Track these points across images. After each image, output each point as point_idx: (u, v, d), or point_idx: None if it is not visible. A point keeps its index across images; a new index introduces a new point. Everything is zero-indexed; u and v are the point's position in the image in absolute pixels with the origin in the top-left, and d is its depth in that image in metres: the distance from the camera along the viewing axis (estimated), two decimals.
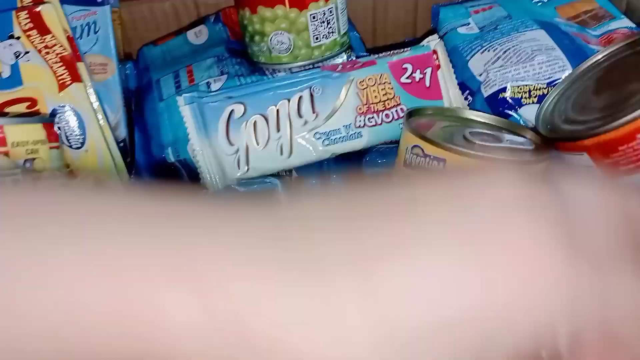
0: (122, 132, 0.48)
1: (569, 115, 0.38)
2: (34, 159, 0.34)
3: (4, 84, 0.38)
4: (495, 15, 0.48)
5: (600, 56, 0.40)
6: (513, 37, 0.43)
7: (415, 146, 0.35)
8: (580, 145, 0.35)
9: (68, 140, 0.41)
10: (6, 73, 0.38)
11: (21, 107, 0.39)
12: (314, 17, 0.42)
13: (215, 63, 0.47)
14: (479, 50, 0.44)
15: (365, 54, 0.49)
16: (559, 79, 0.40)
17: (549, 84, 0.40)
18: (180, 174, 0.45)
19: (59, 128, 0.40)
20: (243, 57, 0.48)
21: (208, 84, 0.45)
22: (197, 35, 0.52)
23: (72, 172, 0.42)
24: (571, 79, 0.40)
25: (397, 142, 0.44)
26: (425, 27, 0.56)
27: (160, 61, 0.51)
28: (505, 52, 0.42)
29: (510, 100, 0.41)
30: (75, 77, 0.39)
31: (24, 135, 0.33)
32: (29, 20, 0.39)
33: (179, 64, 0.49)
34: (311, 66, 0.44)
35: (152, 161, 0.46)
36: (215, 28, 0.53)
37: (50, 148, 0.35)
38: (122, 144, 0.47)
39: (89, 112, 0.40)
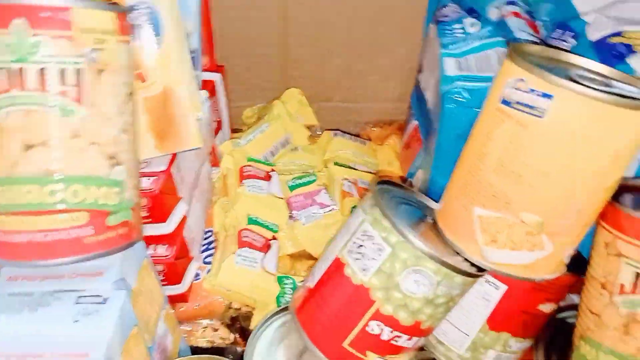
0: (195, 42, 0.46)
1: None
2: (100, 49, 0.32)
3: None
4: None
5: None
6: None
7: (519, 80, 0.32)
8: None
9: (144, 37, 0.39)
10: None
11: None
12: None
13: None
14: None
15: None
16: None
17: None
18: None
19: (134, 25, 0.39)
20: None
21: None
22: None
23: (141, 75, 0.41)
24: None
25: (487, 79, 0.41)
26: None
27: None
28: None
29: (621, 47, 0.37)
30: None
31: (93, 21, 0.31)
32: None
33: None
34: None
35: None
36: None
37: (119, 42, 0.33)
38: (193, 55, 0.45)
39: (169, 11, 0.38)
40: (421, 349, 0.42)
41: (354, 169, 0.61)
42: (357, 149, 0.62)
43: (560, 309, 0.47)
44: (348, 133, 0.66)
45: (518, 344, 0.43)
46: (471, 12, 0.48)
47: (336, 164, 0.60)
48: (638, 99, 0.31)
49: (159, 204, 0.42)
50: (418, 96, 0.57)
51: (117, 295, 0.36)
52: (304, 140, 0.64)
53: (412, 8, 0.60)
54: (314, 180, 0.57)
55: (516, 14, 0.45)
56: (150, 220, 0.42)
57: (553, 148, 0.31)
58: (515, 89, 0.32)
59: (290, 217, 0.54)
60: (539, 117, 0.31)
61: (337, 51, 0.64)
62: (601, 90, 0.30)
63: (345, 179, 0.58)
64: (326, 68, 0.65)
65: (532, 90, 0.31)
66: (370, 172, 0.61)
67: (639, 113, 0.30)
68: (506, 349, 0.42)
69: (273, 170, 0.57)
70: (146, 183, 0.41)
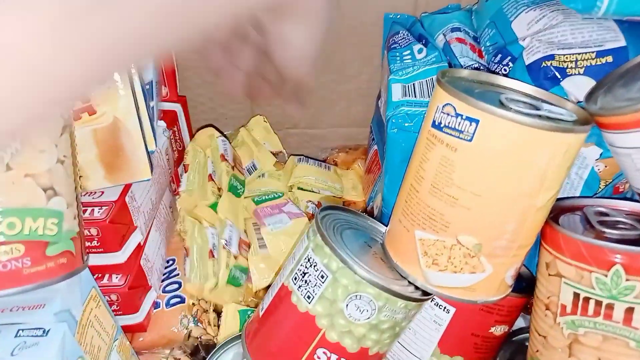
0: (150, 74, 0.47)
1: (624, 95, 0.35)
2: None
3: None
4: None
5: None
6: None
7: (447, 104, 0.32)
8: (637, 118, 0.32)
9: None
10: None
11: None
12: None
13: None
14: (524, 10, 0.41)
15: None
16: (610, 49, 0.37)
17: (598, 54, 0.37)
18: None
19: None
20: None
21: None
22: None
23: (91, 107, 0.41)
24: (632, 65, 0.37)
25: (425, 105, 0.42)
26: None
27: None
28: (552, 11, 0.39)
29: (554, 70, 0.38)
30: None
31: None
32: None
33: None
34: None
35: None
36: None
37: None
38: (148, 86, 0.46)
39: None
40: None
41: (318, 193, 0.61)
42: (320, 174, 0.63)
43: (521, 330, 0.47)
44: (314, 159, 0.67)
45: None
46: (420, 39, 0.50)
47: (300, 189, 0.61)
48: (560, 120, 0.32)
49: (110, 234, 0.42)
50: (378, 121, 0.57)
51: (59, 328, 0.35)
52: (270, 167, 0.65)
53: (372, 35, 0.62)
54: (281, 196, 0.59)
55: (460, 40, 0.46)
56: (102, 249, 0.42)
57: (482, 170, 0.32)
58: (445, 113, 0.32)
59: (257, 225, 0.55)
60: (467, 140, 0.31)
61: None
62: (525, 114, 0.31)
63: (310, 201, 0.59)
64: None
65: (459, 115, 0.31)
66: (334, 197, 0.62)
67: (561, 134, 0.30)
68: None
69: None
70: (97, 213, 0.42)
